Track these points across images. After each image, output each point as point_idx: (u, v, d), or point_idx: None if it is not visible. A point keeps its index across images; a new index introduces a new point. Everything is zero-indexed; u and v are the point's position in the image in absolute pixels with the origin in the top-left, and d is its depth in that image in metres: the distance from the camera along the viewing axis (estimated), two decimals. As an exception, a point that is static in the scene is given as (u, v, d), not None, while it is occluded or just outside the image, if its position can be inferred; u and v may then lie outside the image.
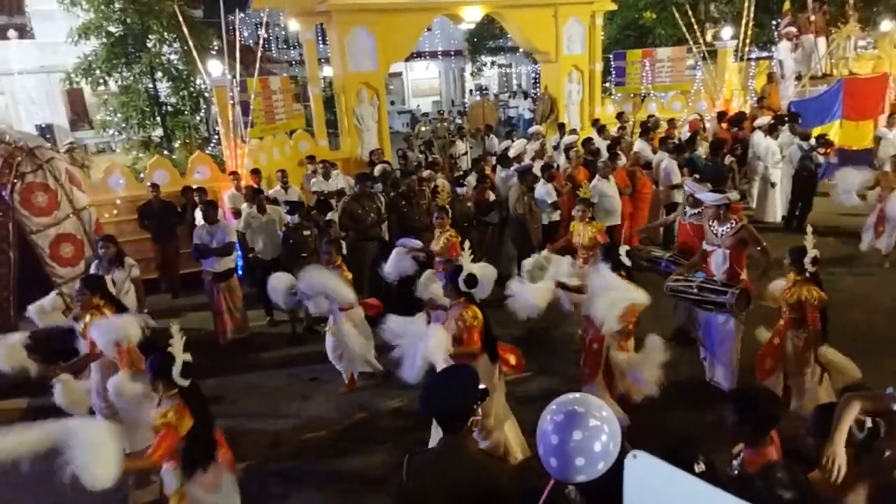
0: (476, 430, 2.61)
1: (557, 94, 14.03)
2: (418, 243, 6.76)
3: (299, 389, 6.30)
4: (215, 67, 9.86)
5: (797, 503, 2.29)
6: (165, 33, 12.25)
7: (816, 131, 10.99)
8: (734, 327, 5.44)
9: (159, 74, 12.46)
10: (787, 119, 10.97)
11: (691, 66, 15.25)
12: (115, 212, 9.25)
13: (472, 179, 8.98)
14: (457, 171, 11.42)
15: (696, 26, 13.83)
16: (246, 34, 19.55)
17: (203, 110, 13.20)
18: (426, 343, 4.13)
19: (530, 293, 5.20)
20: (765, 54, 18.69)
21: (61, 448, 2.99)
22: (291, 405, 5.99)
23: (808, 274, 4.81)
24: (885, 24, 14.02)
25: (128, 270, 6.47)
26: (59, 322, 5.56)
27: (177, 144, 12.43)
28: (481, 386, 2.49)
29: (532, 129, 12.23)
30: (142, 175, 9.89)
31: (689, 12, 13.84)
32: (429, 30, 16.94)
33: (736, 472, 2.56)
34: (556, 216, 8.36)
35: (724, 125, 11.79)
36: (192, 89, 12.68)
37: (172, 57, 12.60)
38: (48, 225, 6.92)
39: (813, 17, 14.34)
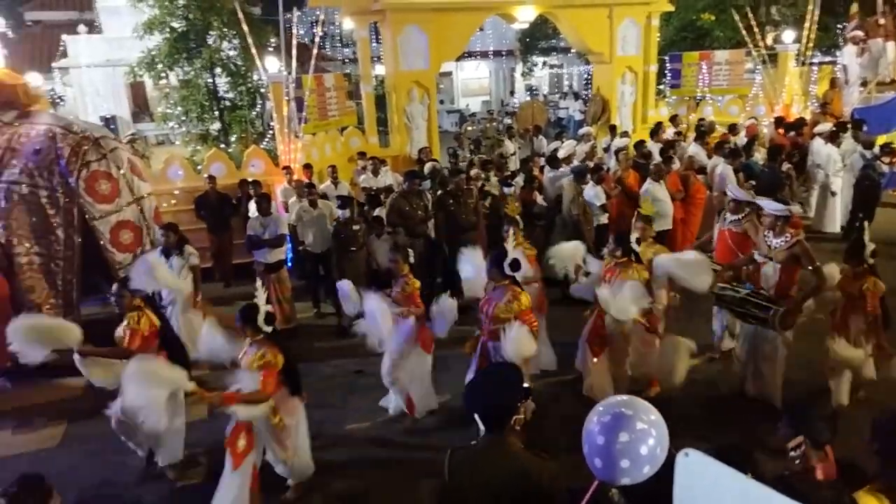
0: None
1: (610, 96, 13.87)
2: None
3: (344, 381, 6.42)
4: (272, 64, 10.11)
5: None
6: (225, 30, 12.62)
7: (881, 140, 10.58)
8: (782, 344, 5.30)
9: (218, 70, 12.85)
10: (849, 126, 10.58)
11: (750, 69, 14.84)
12: (173, 202, 9.60)
13: (519, 180, 8.98)
14: (505, 171, 11.41)
15: (756, 29, 13.45)
16: (301, 32, 19.95)
17: (259, 106, 13.54)
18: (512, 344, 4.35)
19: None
20: (828, 59, 18.04)
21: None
22: (335, 396, 6.11)
23: (866, 266, 4.92)
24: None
25: (186, 258, 6.72)
26: None
27: (233, 138, 12.79)
28: (525, 385, 2.51)
29: (582, 131, 12.13)
30: (199, 167, 10.23)
31: (750, 14, 13.46)
32: (481, 29, 16.93)
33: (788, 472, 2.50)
34: (604, 219, 8.27)
35: (780, 131, 11.45)
36: (249, 85, 13.03)
37: (231, 53, 12.97)
38: (109, 212, 7.16)
39: (882, 21, 13.74)
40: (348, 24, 12.70)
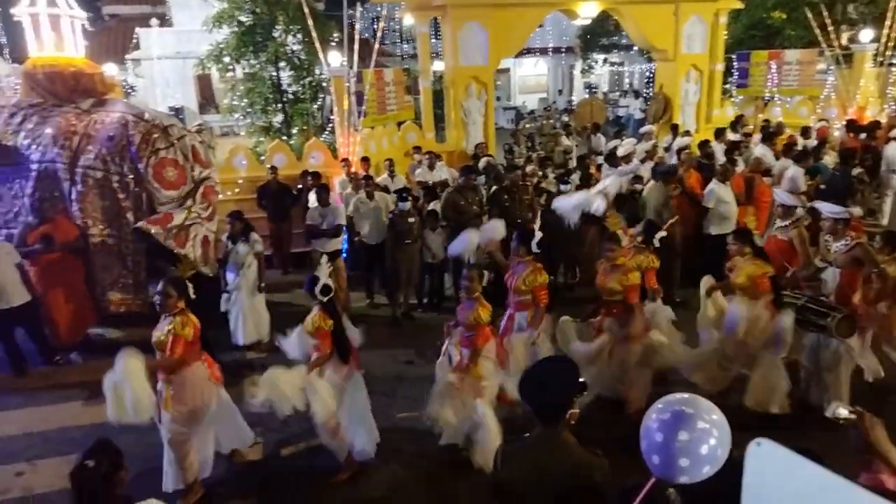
0: None
1: (673, 94, 13.56)
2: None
3: (395, 370, 6.51)
4: (335, 58, 10.29)
5: None
6: (290, 24, 12.89)
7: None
8: (844, 353, 5.08)
9: (283, 63, 13.14)
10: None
11: (822, 69, 14.26)
12: (236, 190, 9.91)
13: (575, 178, 8.88)
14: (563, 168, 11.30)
15: (830, 28, 12.89)
16: (362, 27, 20.22)
17: (320, 99, 13.80)
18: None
19: None
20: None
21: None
22: (386, 385, 6.19)
23: None
24: None
25: (251, 246, 6.95)
26: None
27: (295, 130, 13.07)
28: (581, 379, 2.50)
29: (644, 129, 11.91)
30: (262, 158, 10.51)
31: (824, 13, 12.90)
32: (541, 26, 16.76)
33: None
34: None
35: (851, 134, 10.95)
36: (311, 78, 13.29)
37: (296, 47, 13.24)
38: (174, 198, 7.44)
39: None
40: (409, 19, 12.82)
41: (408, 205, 7.67)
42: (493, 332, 4.96)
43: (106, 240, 7.27)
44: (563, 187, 8.19)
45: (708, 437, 1.88)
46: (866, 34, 13.20)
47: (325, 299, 4.66)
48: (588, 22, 15.54)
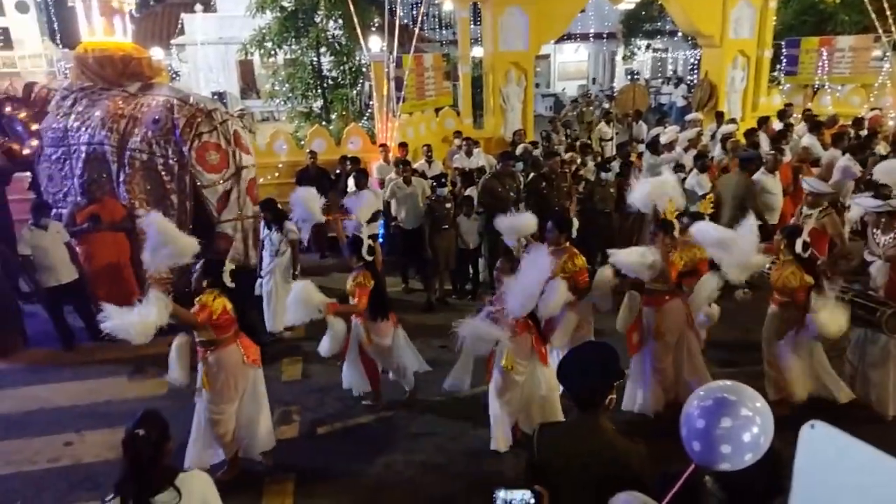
0: None
1: (718, 81, 13.22)
2: None
3: (429, 355, 6.50)
4: (375, 43, 10.31)
5: None
6: (332, 9, 12.94)
7: None
8: (894, 349, 4.91)
9: (323, 49, 13.22)
10: None
11: (877, 57, 13.67)
12: (276, 174, 10.05)
13: (615, 165, 8.75)
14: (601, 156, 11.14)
15: (888, 13, 12.36)
16: (401, 13, 20.22)
17: (360, 84, 13.86)
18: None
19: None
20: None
21: None
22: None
23: None
24: None
25: (286, 233, 7.02)
26: None
27: (334, 116, 13.16)
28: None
29: (690, 116, 11.64)
30: (302, 143, 10.63)
31: (882, -4, 12.38)
32: (582, 11, 16.51)
33: None
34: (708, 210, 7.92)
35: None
36: (351, 64, 13.34)
37: (336, 32, 13.30)
38: (216, 181, 7.56)
39: None
40: (448, 5, 12.75)
41: (445, 190, 7.67)
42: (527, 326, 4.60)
43: (152, 221, 7.44)
44: (603, 175, 8.06)
45: (751, 424, 1.85)
46: (926, 19, 12.61)
47: (371, 259, 5.07)
48: (632, 6, 15.29)
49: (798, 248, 4.79)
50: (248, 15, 13.40)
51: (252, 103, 21.66)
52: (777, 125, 10.67)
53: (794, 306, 4.93)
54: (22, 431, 5.45)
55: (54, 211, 7.23)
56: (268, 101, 16.12)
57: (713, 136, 10.58)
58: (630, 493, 1.90)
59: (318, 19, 13.05)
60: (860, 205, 5.40)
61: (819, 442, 1.07)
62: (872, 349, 5.03)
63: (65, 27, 16.83)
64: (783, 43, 14.61)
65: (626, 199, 7.92)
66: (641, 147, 10.32)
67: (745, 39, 13.13)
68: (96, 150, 7.36)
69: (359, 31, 10.45)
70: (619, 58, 30.08)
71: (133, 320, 3.97)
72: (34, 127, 7.75)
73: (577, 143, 11.39)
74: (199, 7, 21.77)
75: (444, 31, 25.77)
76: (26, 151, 7.77)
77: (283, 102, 14.48)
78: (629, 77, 28.30)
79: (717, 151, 9.53)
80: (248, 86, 24.36)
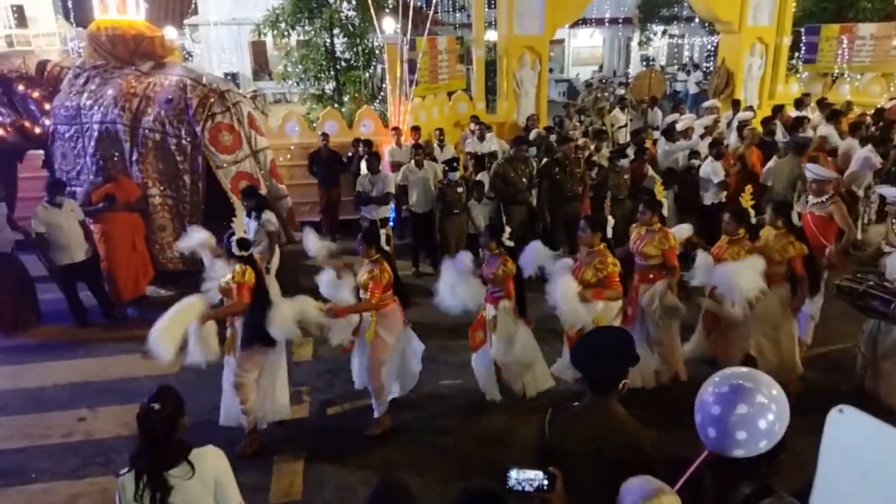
0: None
1: (735, 68, 13.04)
2: None
3: (438, 340, 6.53)
4: (389, 25, 10.23)
5: None
6: (346, -10, 12.86)
7: None
8: None
9: (337, 30, 13.13)
10: None
11: (900, 44, 13.43)
12: (288, 156, 10.03)
13: (629, 152, 8.67)
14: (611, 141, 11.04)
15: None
16: (416, -6, 20.04)
17: (373, 66, 13.78)
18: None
19: None
20: None
21: None
22: (429, 352, 6.20)
23: None
24: None
25: (262, 224, 6.57)
26: None
27: (346, 98, 13.10)
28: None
29: (707, 103, 11.50)
30: (314, 125, 10.60)
31: (906, -17, 12.13)
32: (600, -5, 16.33)
33: None
34: (722, 197, 7.85)
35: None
36: (365, 46, 13.26)
37: (350, 14, 13.20)
38: (230, 162, 7.57)
39: None
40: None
41: (457, 175, 7.64)
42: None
43: (165, 200, 7.49)
44: (621, 162, 7.97)
45: (767, 411, 1.84)
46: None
47: (387, 250, 4.90)
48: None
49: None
50: (262, -5, 13.34)
51: (264, 85, 21.62)
52: (793, 113, 10.53)
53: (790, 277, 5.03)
54: (36, 406, 5.52)
55: (68, 189, 7.28)
56: (280, 82, 16.11)
57: (729, 124, 10.46)
58: (643, 477, 1.89)
59: (331, 0, 12.96)
60: (885, 194, 5.33)
61: (847, 426, 1.05)
62: (886, 341, 4.97)
63: (78, 5, 16.81)
64: (802, 30, 14.36)
65: (639, 185, 7.97)
66: (657, 134, 10.20)
67: (764, 26, 12.92)
68: (108, 128, 7.38)
69: (372, 12, 10.36)
70: (634, 43, 29.72)
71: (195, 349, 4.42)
72: (47, 106, 7.78)
73: (591, 129, 11.29)
74: (212, -13, 21.68)
75: (458, 14, 25.53)
76: (38, 130, 7.80)
77: (295, 84, 14.43)
78: (644, 63, 27.97)
79: (732, 139, 9.41)
80: (261, 67, 24.29)
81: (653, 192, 7.76)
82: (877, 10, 15.36)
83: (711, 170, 7.67)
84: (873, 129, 9.59)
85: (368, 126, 10.34)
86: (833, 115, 9.91)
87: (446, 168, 7.88)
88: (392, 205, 8.51)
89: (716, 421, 1.86)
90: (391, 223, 8.56)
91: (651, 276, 5.27)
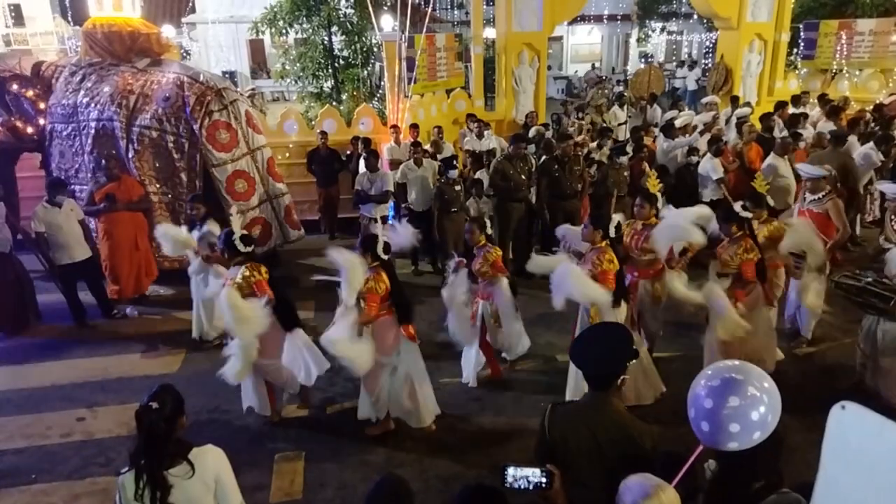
0: None
1: (734, 65, 13.02)
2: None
3: (438, 338, 6.53)
4: (387, 23, 10.21)
5: None
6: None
7: None
8: None
9: (335, 28, 13.11)
10: None
11: (899, 41, 13.42)
12: (287, 154, 10.02)
13: (629, 149, 8.67)
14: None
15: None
16: (414, -8, 19.96)
17: (371, 64, 13.77)
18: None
19: None
20: None
21: None
22: (430, 351, 6.20)
23: None
24: None
25: (204, 235, 6.19)
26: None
27: (344, 96, 13.08)
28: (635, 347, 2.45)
29: (706, 99, 11.45)
30: (312, 123, 10.59)
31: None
32: (598, -8, 16.25)
33: None
34: (719, 194, 7.85)
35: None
36: (363, 43, 13.24)
37: (348, 11, 13.19)
38: (227, 160, 7.55)
39: None
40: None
41: (455, 172, 7.63)
42: None
43: (161, 198, 7.48)
44: (622, 159, 7.96)
45: (759, 403, 1.86)
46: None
47: (387, 258, 4.67)
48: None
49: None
50: (260, -7, 13.31)
51: (262, 83, 21.57)
52: (792, 110, 10.53)
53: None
54: (35, 406, 5.51)
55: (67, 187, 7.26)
56: (278, 80, 16.04)
57: (728, 121, 10.45)
58: (643, 475, 1.89)
59: (329, -2, 12.95)
60: (885, 190, 5.35)
61: (850, 422, 1.05)
62: (886, 337, 4.98)
63: (76, 4, 16.79)
64: (801, 26, 14.35)
65: (638, 182, 7.96)
66: (657, 131, 10.19)
67: (763, 23, 12.90)
68: (105, 126, 7.37)
69: (371, 10, 10.35)
70: (633, 40, 29.68)
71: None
72: (42, 105, 7.75)
73: (597, 127, 11.28)
74: (210, -15, 21.63)
75: (456, 12, 25.48)
76: (30, 130, 7.77)
77: (293, 82, 14.41)
78: (643, 60, 27.94)
79: (731, 135, 9.41)
80: (259, 65, 24.26)
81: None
82: (875, 5, 15.34)
83: (710, 166, 7.67)
84: (873, 125, 9.59)
85: (367, 124, 10.32)
86: (834, 111, 9.91)
87: (441, 165, 7.87)
88: (391, 203, 8.51)
89: (709, 415, 1.87)
90: (390, 221, 8.54)
91: (651, 271, 5.28)
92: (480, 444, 4.83)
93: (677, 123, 9.07)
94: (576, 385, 4.88)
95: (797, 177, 7.58)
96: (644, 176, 7.91)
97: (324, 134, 9.50)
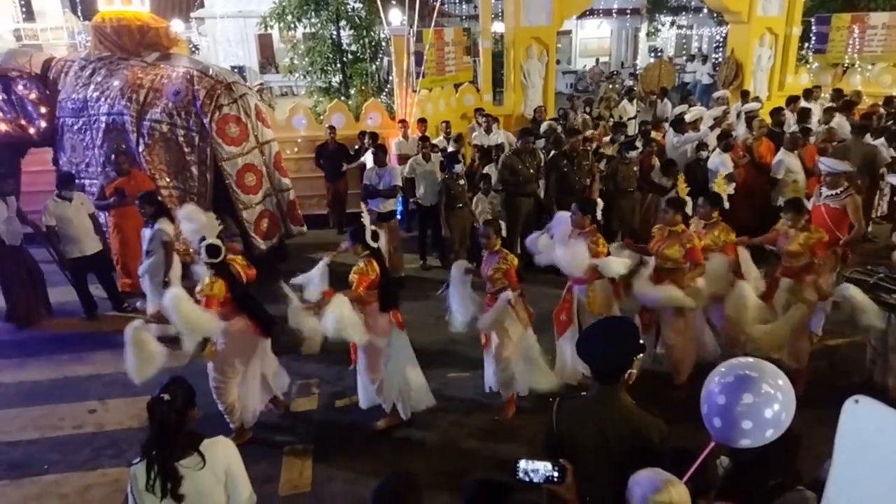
0: None
1: (744, 59, 12.91)
2: None
3: (447, 334, 6.53)
4: (395, 17, 10.20)
5: None
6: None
7: None
8: None
9: (343, 22, 13.10)
10: None
11: (913, 34, 13.25)
12: (295, 149, 10.04)
13: (638, 143, 8.63)
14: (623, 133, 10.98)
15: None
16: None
17: (380, 59, 13.75)
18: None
19: None
20: None
21: None
22: (438, 345, 6.24)
23: None
24: None
25: (155, 233, 6.09)
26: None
27: (353, 91, 13.08)
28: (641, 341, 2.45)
29: (717, 94, 11.35)
30: (321, 118, 10.61)
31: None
32: (608, -15, 16.15)
33: None
34: (731, 189, 7.80)
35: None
36: (371, 38, 13.23)
37: (357, 6, 13.17)
38: (236, 154, 7.57)
39: None
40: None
41: (460, 167, 7.62)
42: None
43: (172, 192, 7.51)
44: (631, 154, 7.93)
45: (772, 401, 1.84)
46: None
47: (376, 246, 4.70)
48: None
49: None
50: (268, -13, 13.31)
51: (271, 78, 21.61)
52: (802, 104, 10.44)
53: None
54: (47, 398, 5.58)
55: (77, 181, 7.30)
56: (287, 75, 16.06)
57: (738, 115, 10.38)
58: (652, 469, 1.89)
59: (338, -9, 12.93)
60: (892, 182, 5.32)
61: (864, 416, 1.05)
62: (895, 333, 4.95)
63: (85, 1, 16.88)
64: (813, 20, 14.20)
65: (647, 177, 7.94)
66: (666, 125, 10.13)
67: (774, 16, 12.78)
68: (115, 120, 7.40)
69: (379, 4, 10.34)
70: (642, 34, 29.48)
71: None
72: (43, 109, 7.76)
73: (605, 121, 11.23)
74: (219, -21, 21.66)
75: (464, 6, 25.39)
76: (31, 130, 7.80)
77: (302, 77, 14.42)
78: (652, 54, 27.76)
79: (741, 130, 9.35)
80: (268, 60, 24.28)
81: (659, 185, 7.83)
82: (890, -1, 15.18)
83: (720, 161, 7.62)
84: (886, 119, 9.49)
85: (375, 119, 10.33)
86: (847, 105, 9.82)
87: (443, 161, 7.87)
88: (399, 197, 8.52)
89: (722, 411, 1.86)
90: (398, 216, 8.55)
91: (668, 279, 5.09)
92: (488, 439, 4.85)
93: (687, 118, 9.00)
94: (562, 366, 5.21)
95: (808, 172, 7.57)
96: (653, 171, 7.95)
97: (332, 128, 9.52)
